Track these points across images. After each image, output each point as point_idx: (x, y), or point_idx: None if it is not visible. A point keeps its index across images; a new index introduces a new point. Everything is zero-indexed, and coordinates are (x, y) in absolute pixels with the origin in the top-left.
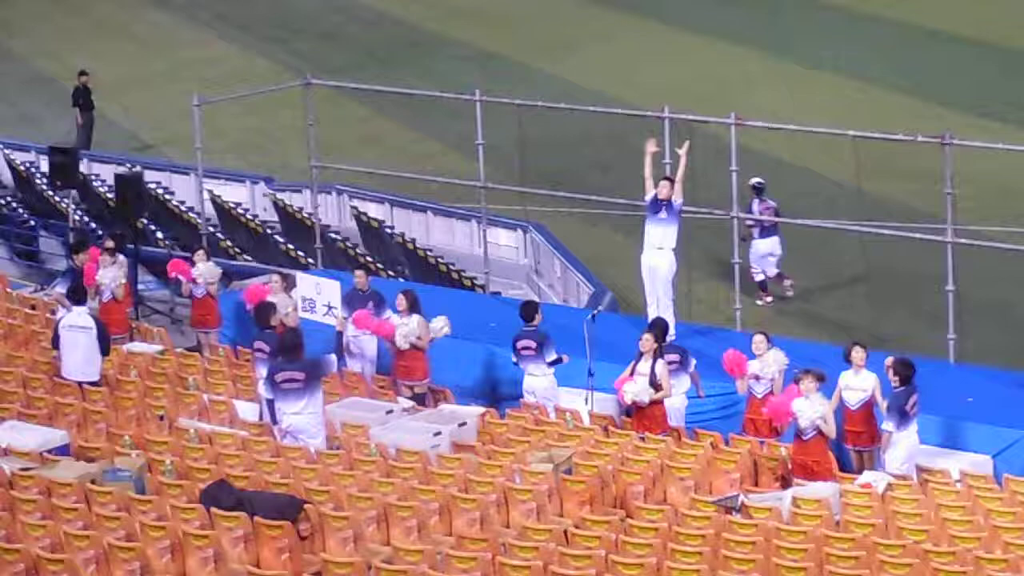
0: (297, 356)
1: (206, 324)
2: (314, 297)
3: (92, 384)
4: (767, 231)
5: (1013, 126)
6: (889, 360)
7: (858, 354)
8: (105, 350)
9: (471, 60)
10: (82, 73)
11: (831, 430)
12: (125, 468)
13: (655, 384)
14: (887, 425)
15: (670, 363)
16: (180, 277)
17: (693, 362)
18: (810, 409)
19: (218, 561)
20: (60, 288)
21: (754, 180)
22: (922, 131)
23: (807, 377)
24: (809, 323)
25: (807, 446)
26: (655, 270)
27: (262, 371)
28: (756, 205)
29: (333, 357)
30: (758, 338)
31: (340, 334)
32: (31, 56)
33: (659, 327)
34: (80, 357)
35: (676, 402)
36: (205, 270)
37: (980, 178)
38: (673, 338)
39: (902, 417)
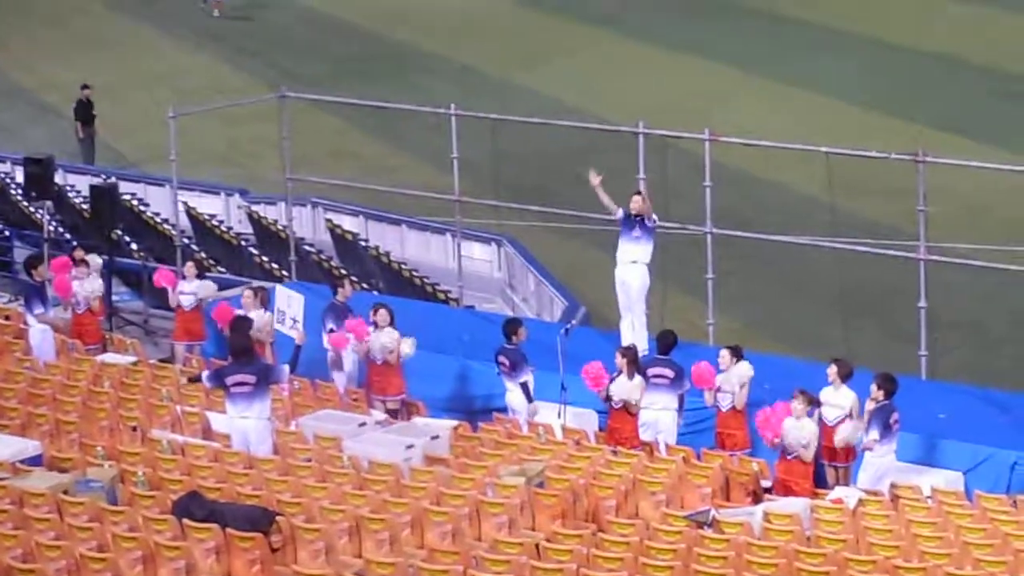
0: (248, 359)
1: (192, 336)
2: (285, 310)
3: None
4: None
5: (986, 143)
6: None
7: (832, 370)
8: None
9: (446, 73)
10: (84, 87)
11: (809, 456)
12: (97, 479)
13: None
14: (872, 434)
15: (661, 377)
16: (167, 287)
17: (687, 385)
18: (797, 431)
19: (190, 572)
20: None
21: None
22: (896, 148)
23: (800, 398)
24: (781, 338)
25: (790, 466)
26: (628, 284)
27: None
28: None
29: (287, 367)
30: (723, 352)
31: (299, 348)
32: (6, 68)
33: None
34: None
35: (666, 418)
36: (201, 286)
37: (953, 195)
38: (646, 352)
39: (885, 430)
